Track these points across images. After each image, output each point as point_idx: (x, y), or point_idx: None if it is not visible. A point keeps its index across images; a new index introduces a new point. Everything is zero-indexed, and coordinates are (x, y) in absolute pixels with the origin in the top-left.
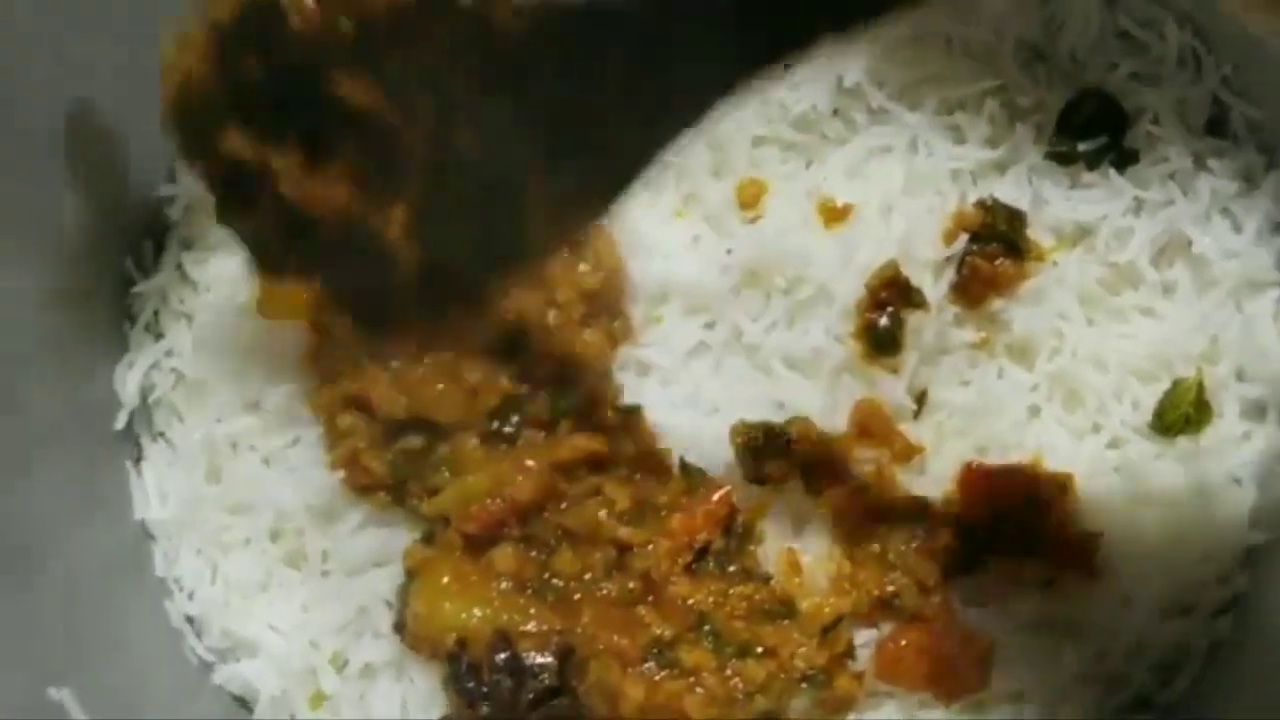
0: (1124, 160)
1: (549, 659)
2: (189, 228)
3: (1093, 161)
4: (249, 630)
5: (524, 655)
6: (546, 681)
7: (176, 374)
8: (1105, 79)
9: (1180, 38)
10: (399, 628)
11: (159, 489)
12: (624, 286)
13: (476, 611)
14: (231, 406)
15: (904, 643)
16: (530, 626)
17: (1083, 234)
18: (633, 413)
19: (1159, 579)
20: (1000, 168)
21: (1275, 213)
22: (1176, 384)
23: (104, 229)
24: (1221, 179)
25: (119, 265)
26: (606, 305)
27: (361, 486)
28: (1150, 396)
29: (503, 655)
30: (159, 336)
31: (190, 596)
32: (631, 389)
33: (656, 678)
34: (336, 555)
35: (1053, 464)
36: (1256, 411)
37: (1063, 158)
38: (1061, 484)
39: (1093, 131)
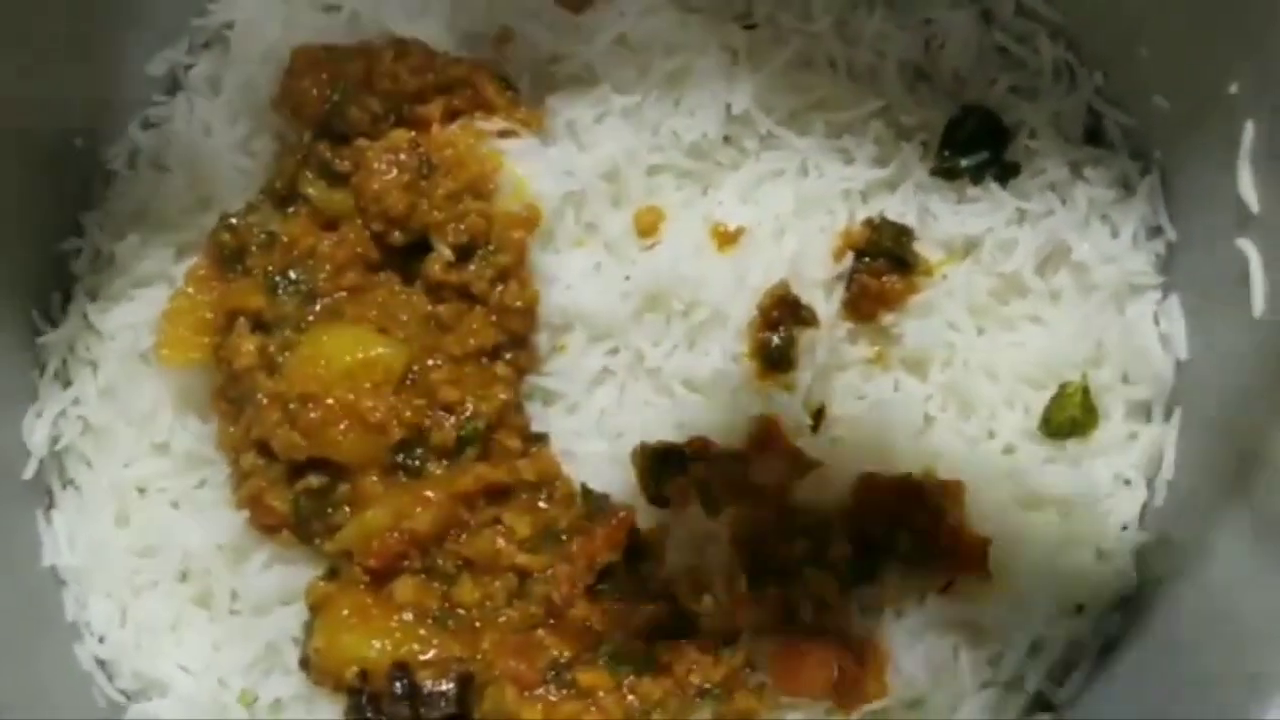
0: (1006, 173)
1: (447, 686)
2: (94, 279)
3: (976, 176)
4: (159, 670)
5: (422, 684)
6: (445, 708)
7: (84, 421)
8: (985, 95)
9: (1054, 51)
10: (304, 663)
11: (69, 535)
12: (533, 318)
13: (376, 643)
14: (139, 451)
15: (802, 654)
16: (430, 655)
17: (970, 247)
18: (539, 441)
19: (1052, 580)
20: (889, 186)
21: (1151, 217)
22: (1062, 388)
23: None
24: (1098, 187)
25: (24, 317)
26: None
27: (266, 526)
28: (1040, 402)
29: (400, 684)
30: (67, 385)
31: (100, 640)
32: (538, 417)
33: (554, 699)
34: (244, 594)
35: (948, 472)
36: (1142, 412)
37: (948, 173)
38: (954, 491)
39: (975, 147)
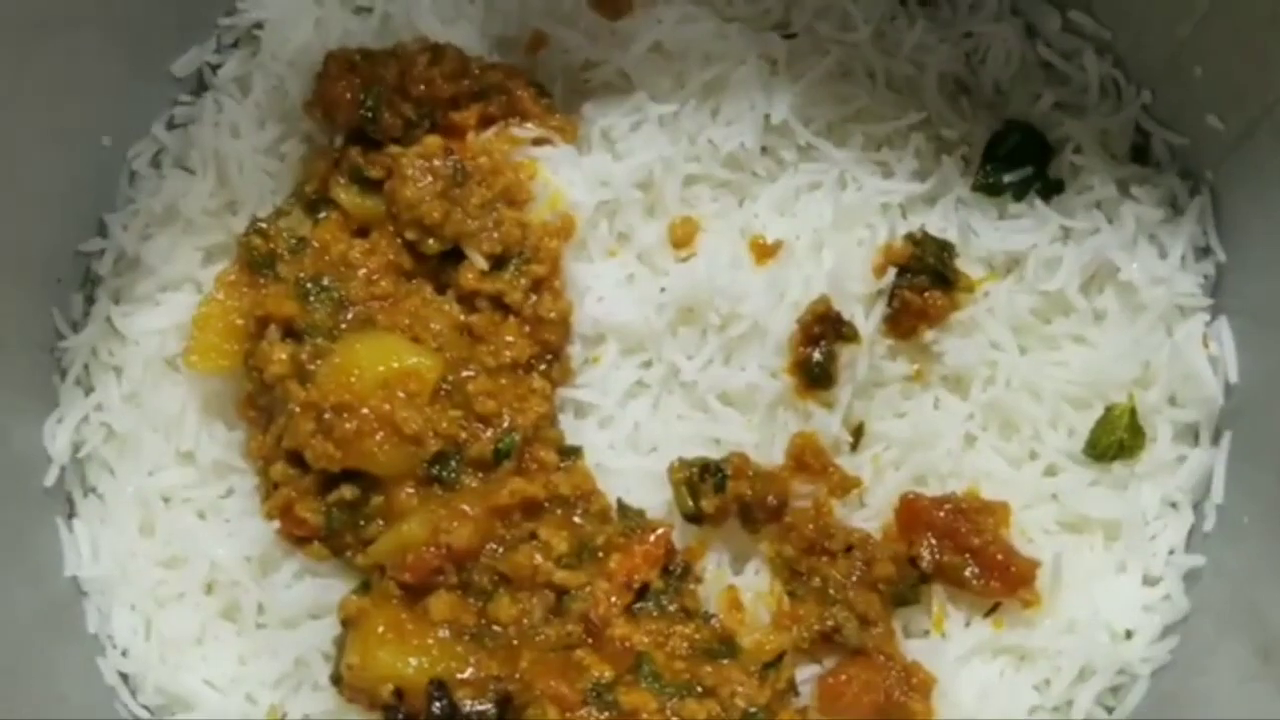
0: (1050, 190)
1: (487, 706)
2: (118, 281)
3: (1019, 192)
4: (184, 686)
5: (461, 703)
6: None
7: (107, 428)
8: (1028, 111)
9: (1100, 67)
10: (336, 680)
11: (91, 545)
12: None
13: (413, 661)
14: (164, 459)
15: (846, 677)
16: (468, 674)
17: (1012, 264)
18: (573, 455)
19: (1100, 604)
20: (929, 200)
21: (1200, 238)
22: (1109, 410)
23: (27, 284)
24: (1146, 205)
25: (45, 320)
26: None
27: (296, 538)
28: (1084, 423)
29: (439, 704)
30: (89, 391)
31: (124, 653)
32: (570, 430)
33: None
34: (272, 608)
35: (990, 492)
36: (1189, 435)
37: (990, 189)
38: (1000, 512)
39: (1018, 162)
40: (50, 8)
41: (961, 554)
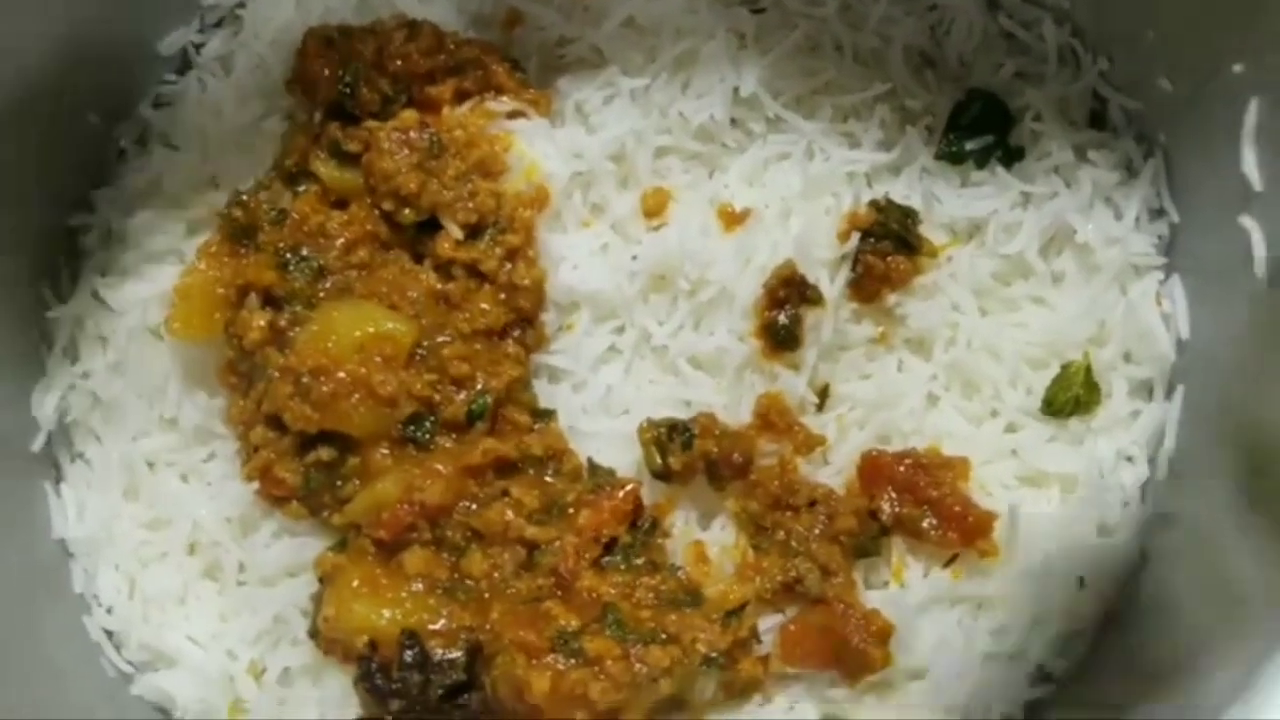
0: (1011, 157)
1: (457, 654)
2: (105, 255)
3: (981, 160)
4: (167, 642)
5: (433, 652)
6: (455, 677)
7: (93, 395)
8: (991, 80)
9: (1058, 36)
10: (313, 633)
11: (78, 507)
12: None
13: (386, 613)
14: (148, 425)
15: (806, 624)
16: (439, 625)
17: (974, 229)
18: (546, 417)
19: (1055, 554)
20: (894, 170)
21: (1154, 199)
22: (1065, 368)
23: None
24: (1102, 169)
25: (33, 293)
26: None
27: (275, 498)
28: (1042, 382)
29: (410, 653)
30: (75, 360)
31: (109, 611)
32: (544, 395)
33: (561, 667)
34: (253, 566)
35: (951, 449)
36: (1144, 390)
37: (953, 157)
38: (959, 467)
39: (980, 131)
40: None
41: (920, 506)
